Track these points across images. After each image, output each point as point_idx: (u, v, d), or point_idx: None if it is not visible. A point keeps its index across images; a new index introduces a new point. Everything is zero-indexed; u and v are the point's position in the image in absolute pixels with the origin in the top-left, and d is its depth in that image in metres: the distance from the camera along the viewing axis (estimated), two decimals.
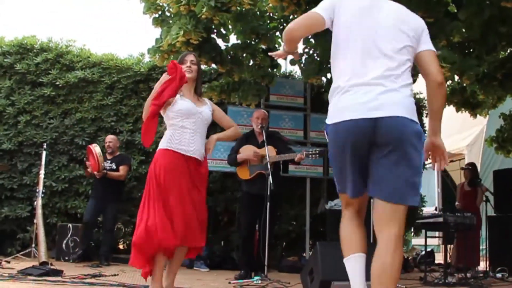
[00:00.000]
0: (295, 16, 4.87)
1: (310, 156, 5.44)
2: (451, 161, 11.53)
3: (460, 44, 5.63)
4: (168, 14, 5.69)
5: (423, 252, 7.76)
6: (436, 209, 6.83)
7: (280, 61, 6.71)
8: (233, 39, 6.18)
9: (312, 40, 5.88)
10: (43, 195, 6.29)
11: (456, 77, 6.24)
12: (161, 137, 3.59)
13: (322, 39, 4.83)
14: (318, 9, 2.45)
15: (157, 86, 3.43)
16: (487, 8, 4.77)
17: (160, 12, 5.68)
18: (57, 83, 7.83)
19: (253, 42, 6.16)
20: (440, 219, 5.51)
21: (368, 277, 2.32)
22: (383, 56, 2.34)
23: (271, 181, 5.08)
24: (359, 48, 2.35)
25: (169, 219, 3.31)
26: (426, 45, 2.44)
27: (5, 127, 7.76)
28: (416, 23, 2.45)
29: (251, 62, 6.38)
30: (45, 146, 6.61)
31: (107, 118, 7.84)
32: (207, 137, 3.67)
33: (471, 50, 5.81)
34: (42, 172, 6.34)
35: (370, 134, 2.28)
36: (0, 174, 7.55)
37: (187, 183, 3.41)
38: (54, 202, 7.56)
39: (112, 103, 7.88)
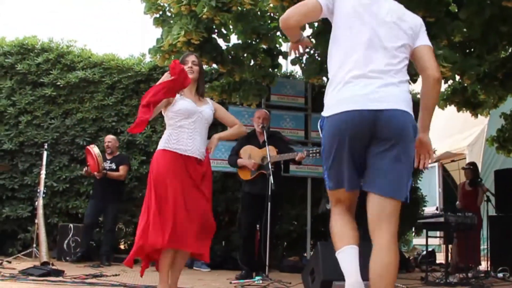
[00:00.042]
0: None
1: (311, 155, 5.44)
2: (452, 160, 11.54)
3: (461, 43, 5.63)
4: (169, 14, 5.70)
5: (424, 252, 7.76)
6: (437, 209, 6.83)
7: (281, 61, 6.72)
8: (234, 39, 6.19)
9: (313, 40, 5.88)
10: (44, 195, 6.28)
11: (457, 77, 6.24)
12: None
13: (323, 39, 4.83)
14: None
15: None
16: (487, 8, 4.77)
17: (161, 12, 5.67)
18: (58, 83, 7.84)
19: (254, 42, 6.15)
20: (441, 219, 5.50)
21: (364, 276, 2.28)
22: (385, 51, 2.34)
23: (272, 181, 5.08)
24: (362, 41, 2.34)
25: (161, 221, 3.29)
26: (424, 40, 2.45)
27: (6, 127, 7.77)
28: (414, 21, 2.46)
29: (252, 62, 6.38)
30: (46, 146, 6.61)
31: (108, 118, 7.84)
32: (209, 137, 3.67)
33: (472, 49, 5.80)
34: (43, 172, 6.34)
35: (370, 126, 2.26)
36: (1, 174, 7.56)
37: (186, 184, 3.38)
38: (55, 202, 7.57)
39: (113, 103, 7.88)
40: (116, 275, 5.09)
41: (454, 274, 5.89)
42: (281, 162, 5.64)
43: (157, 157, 3.44)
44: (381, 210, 2.29)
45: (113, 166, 6.87)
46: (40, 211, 6.02)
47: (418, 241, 10.53)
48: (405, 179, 2.31)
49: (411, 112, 2.33)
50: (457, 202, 7.94)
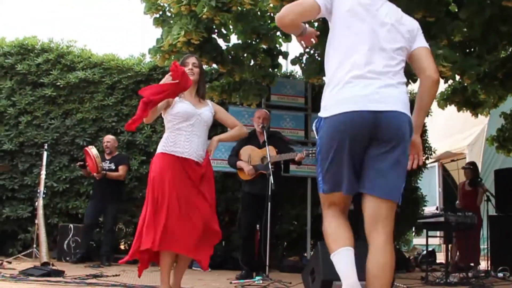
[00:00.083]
0: None
1: (310, 155, 5.43)
2: (452, 160, 11.55)
3: (461, 43, 5.63)
4: (169, 14, 5.70)
5: (425, 252, 7.76)
6: (437, 209, 6.83)
7: (281, 61, 6.72)
8: (234, 39, 6.19)
9: (313, 40, 5.87)
10: (44, 196, 6.28)
11: (457, 77, 6.24)
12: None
13: (323, 38, 4.82)
14: None
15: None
16: (488, 8, 4.77)
17: (161, 12, 5.68)
18: (58, 83, 7.84)
19: (254, 42, 6.15)
20: (442, 219, 5.50)
21: (360, 277, 2.27)
22: (383, 52, 2.34)
23: (272, 181, 5.08)
24: (362, 42, 2.33)
25: (155, 223, 3.29)
26: (422, 43, 2.45)
27: (6, 128, 7.76)
28: (412, 25, 2.46)
29: (252, 62, 6.38)
30: (46, 147, 6.62)
31: (108, 118, 7.84)
32: (210, 137, 3.67)
33: (472, 49, 5.81)
34: (43, 172, 6.34)
35: (370, 127, 2.24)
36: (1, 174, 7.56)
37: (184, 186, 3.37)
38: (55, 202, 7.57)
39: (113, 103, 7.88)
40: (116, 275, 5.09)
41: (453, 273, 5.89)
42: (281, 162, 5.64)
43: (155, 160, 3.46)
44: (378, 212, 2.29)
45: (112, 166, 6.87)
46: (40, 212, 6.02)
47: (418, 241, 10.53)
48: (402, 181, 2.31)
49: (410, 114, 2.33)
50: (457, 202, 7.95)
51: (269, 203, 5.18)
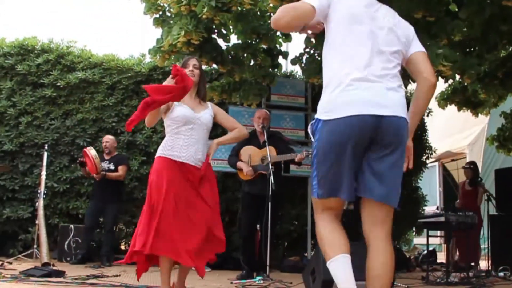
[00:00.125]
0: None
1: (310, 156, 5.43)
2: (452, 160, 11.55)
3: (461, 43, 5.62)
4: (168, 14, 5.69)
5: (425, 252, 7.76)
6: (437, 208, 6.84)
7: (281, 61, 6.71)
8: (234, 39, 6.19)
9: (312, 39, 5.88)
10: (44, 196, 6.30)
11: (457, 76, 6.24)
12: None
13: (323, 38, 4.82)
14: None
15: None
16: (488, 7, 4.77)
17: (160, 13, 5.67)
18: (58, 84, 7.84)
19: (254, 42, 6.15)
20: (442, 219, 5.50)
21: (359, 276, 2.28)
22: (382, 55, 2.33)
23: (273, 181, 5.08)
24: (362, 44, 2.32)
25: (149, 226, 3.28)
26: (418, 47, 2.45)
27: (6, 128, 7.77)
28: (407, 30, 2.47)
29: (252, 62, 6.38)
30: (46, 147, 6.63)
31: (108, 118, 7.84)
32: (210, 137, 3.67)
33: (472, 49, 5.80)
34: (43, 173, 6.36)
35: (371, 131, 2.23)
36: (1, 175, 7.56)
37: (182, 189, 3.35)
38: (56, 203, 7.57)
39: (113, 103, 7.88)
40: (117, 275, 5.09)
41: (453, 273, 5.88)
42: (282, 162, 5.64)
43: (153, 165, 3.46)
44: (376, 214, 2.29)
45: (112, 166, 6.87)
46: (41, 212, 6.03)
47: (418, 240, 10.54)
48: (399, 185, 2.31)
49: (408, 118, 2.33)
50: (457, 201, 7.94)
51: (269, 203, 5.18)
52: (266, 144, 5.32)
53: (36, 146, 7.65)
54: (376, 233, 2.28)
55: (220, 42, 5.98)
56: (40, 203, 6.11)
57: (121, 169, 6.89)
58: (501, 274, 6.30)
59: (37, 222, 6.11)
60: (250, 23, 5.86)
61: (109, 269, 5.89)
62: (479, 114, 7.86)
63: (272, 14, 6.05)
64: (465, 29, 5.09)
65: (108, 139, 7.06)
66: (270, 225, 5.20)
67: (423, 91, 2.40)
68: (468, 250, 6.53)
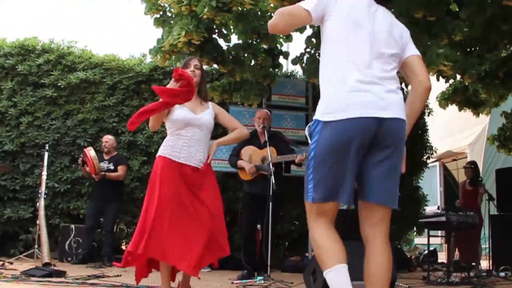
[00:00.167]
0: None
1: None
2: (453, 159, 11.54)
3: (462, 42, 5.62)
4: (169, 14, 5.70)
5: (426, 251, 7.76)
6: (438, 208, 6.83)
7: (282, 61, 6.72)
8: (234, 39, 6.19)
9: (313, 39, 5.88)
10: (45, 196, 6.30)
11: (458, 76, 6.23)
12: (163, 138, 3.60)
13: None
14: (306, 4, 2.35)
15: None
16: (488, 7, 4.77)
17: (161, 13, 5.68)
18: (59, 84, 7.84)
19: (254, 42, 6.15)
20: (443, 218, 5.50)
21: (358, 276, 2.28)
22: (381, 57, 2.32)
23: (273, 181, 5.08)
24: (362, 45, 2.30)
25: (144, 227, 3.27)
26: (414, 51, 2.45)
27: (7, 129, 7.77)
28: (403, 33, 2.46)
29: (253, 62, 6.38)
30: (47, 147, 6.63)
31: (109, 119, 7.84)
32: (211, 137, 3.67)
33: (473, 48, 5.80)
34: (44, 173, 6.36)
35: (372, 134, 2.21)
36: (2, 175, 7.57)
37: (181, 191, 3.34)
38: (57, 203, 7.57)
39: (114, 104, 7.89)
40: (118, 275, 5.09)
41: (454, 273, 5.88)
42: (282, 162, 5.64)
43: (155, 164, 3.46)
44: (375, 216, 2.29)
45: (111, 166, 6.87)
46: (42, 212, 6.03)
47: (419, 240, 10.54)
48: (398, 187, 2.31)
49: (406, 120, 2.33)
50: (457, 201, 7.94)
51: (270, 203, 5.18)
52: (267, 144, 5.32)
53: (37, 146, 7.66)
54: (374, 233, 2.28)
55: (221, 42, 5.99)
56: (41, 203, 6.11)
57: (121, 169, 6.89)
58: (502, 274, 6.30)
59: (38, 222, 6.11)
60: (250, 23, 5.87)
61: (110, 269, 5.88)
62: (480, 114, 7.86)
63: (272, 14, 6.05)
64: (465, 29, 5.09)
65: (108, 139, 7.06)
66: (271, 225, 5.20)
67: (418, 94, 2.40)
68: (469, 250, 6.52)
